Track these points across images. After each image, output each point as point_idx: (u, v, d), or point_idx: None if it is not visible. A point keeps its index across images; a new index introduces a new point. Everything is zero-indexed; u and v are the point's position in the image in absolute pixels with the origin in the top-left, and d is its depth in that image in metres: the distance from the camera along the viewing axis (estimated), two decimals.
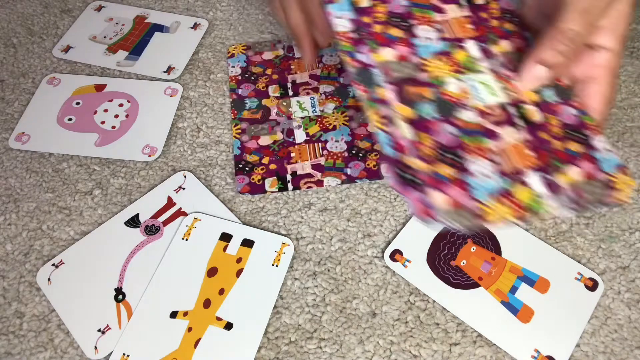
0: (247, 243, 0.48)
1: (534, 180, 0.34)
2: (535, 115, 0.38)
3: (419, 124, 0.36)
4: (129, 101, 0.58)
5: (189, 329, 0.43)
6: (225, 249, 0.48)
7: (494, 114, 0.37)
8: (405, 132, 0.35)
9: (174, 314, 0.44)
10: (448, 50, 0.40)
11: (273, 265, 0.47)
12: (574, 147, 0.36)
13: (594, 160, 0.36)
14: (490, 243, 0.48)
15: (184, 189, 0.52)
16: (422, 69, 0.39)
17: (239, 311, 0.44)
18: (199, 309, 0.44)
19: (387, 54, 0.39)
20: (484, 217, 0.32)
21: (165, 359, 0.42)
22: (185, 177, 0.52)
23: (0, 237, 0.49)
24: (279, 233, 0.49)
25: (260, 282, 0.46)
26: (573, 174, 0.35)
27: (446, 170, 0.33)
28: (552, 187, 0.34)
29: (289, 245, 0.48)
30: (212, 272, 0.46)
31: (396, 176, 0.33)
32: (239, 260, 0.47)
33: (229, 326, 0.44)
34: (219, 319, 0.44)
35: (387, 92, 0.37)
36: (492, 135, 0.36)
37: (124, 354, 0.42)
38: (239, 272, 0.46)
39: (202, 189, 0.52)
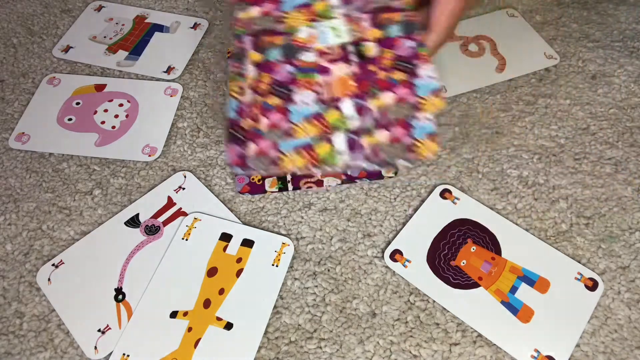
0: (247, 243, 0.48)
1: (347, 106, 0.42)
2: (372, 50, 0.45)
3: (263, 66, 0.44)
4: (129, 101, 0.58)
5: (189, 329, 0.43)
6: (225, 249, 0.48)
7: (332, 53, 0.45)
8: (251, 73, 0.43)
9: (174, 314, 0.44)
10: (309, 3, 0.47)
11: (273, 265, 0.47)
12: (398, 75, 0.43)
13: (411, 85, 0.43)
14: (490, 243, 0.48)
15: (184, 189, 0.52)
16: (281, 21, 0.46)
17: (239, 311, 0.44)
18: (199, 309, 0.44)
19: (254, 11, 0.47)
20: (281, 165, 0.41)
21: (165, 359, 0.42)
22: (185, 177, 0.52)
23: (0, 237, 0.49)
24: (279, 233, 0.49)
25: (260, 282, 0.46)
26: (386, 98, 0.42)
27: (274, 101, 0.43)
28: (352, 145, 0.41)
29: (289, 245, 0.48)
30: (212, 272, 0.46)
31: (229, 134, 0.41)
32: (239, 260, 0.47)
33: (229, 326, 0.44)
34: (219, 319, 0.44)
35: (247, 46, 0.45)
36: (323, 70, 0.44)
37: (124, 354, 0.42)
38: (239, 272, 0.46)
39: (202, 189, 0.52)
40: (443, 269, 0.47)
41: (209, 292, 0.45)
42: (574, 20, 0.66)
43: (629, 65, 0.61)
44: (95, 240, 0.49)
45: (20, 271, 0.47)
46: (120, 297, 0.45)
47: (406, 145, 0.42)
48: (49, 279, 0.46)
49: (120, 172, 0.53)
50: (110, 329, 0.44)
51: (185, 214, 0.50)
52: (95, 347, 0.43)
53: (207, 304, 0.45)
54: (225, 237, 0.48)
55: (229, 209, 0.51)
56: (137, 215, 0.50)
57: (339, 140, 0.42)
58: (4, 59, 0.62)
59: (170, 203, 0.51)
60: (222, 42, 0.64)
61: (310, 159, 0.42)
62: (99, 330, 0.44)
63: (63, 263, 0.47)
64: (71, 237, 0.49)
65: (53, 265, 0.47)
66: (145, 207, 0.50)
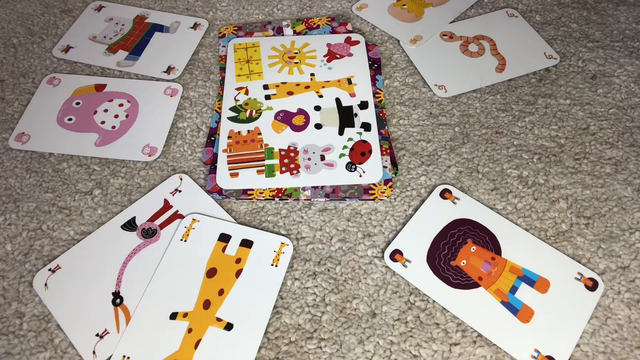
0: (246, 243, 0.48)
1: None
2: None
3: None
4: (129, 101, 0.58)
5: (189, 330, 0.43)
6: (224, 249, 0.48)
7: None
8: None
9: (173, 316, 0.44)
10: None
11: (272, 265, 0.47)
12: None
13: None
14: (490, 243, 0.48)
15: (180, 191, 0.52)
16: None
17: (239, 312, 0.44)
18: (199, 310, 0.44)
19: None
20: (249, 193, 0.51)
21: None
22: (181, 179, 0.52)
23: (0, 237, 0.49)
24: (279, 233, 0.49)
25: (260, 282, 0.46)
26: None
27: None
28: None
29: (287, 245, 0.48)
30: (211, 272, 0.46)
31: (212, 165, 0.52)
32: (238, 260, 0.47)
33: (229, 327, 0.44)
34: (219, 319, 0.44)
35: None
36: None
37: (124, 356, 0.42)
38: (238, 273, 0.46)
39: (198, 190, 0.52)
40: (443, 269, 0.47)
41: (208, 293, 0.45)
42: (574, 20, 0.66)
43: (629, 65, 0.61)
44: (91, 244, 0.48)
45: (20, 271, 0.47)
46: (117, 301, 0.45)
47: (363, 187, 0.50)
48: (45, 284, 0.46)
49: (120, 172, 0.53)
50: (108, 333, 0.44)
51: (181, 217, 0.50)
52: (94, 352, 0.43)
53: (207, 304, 0.45)
54: (224, 238, 0.48)
55: (225, 210, 0.50)
56: (134, 218, 0.50)
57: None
58: (4, 59, 0.62)
59: (166, 206, 0.51)
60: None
61: (277, 192, 0.50)
62: (97, 335, 0.44)
63: (60, 268, 0.47)
64: (71, 237, 0.49)
65: (50, 270, 0.47)
66: (142, 210, 0.50)
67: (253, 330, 0.43)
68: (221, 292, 0.45)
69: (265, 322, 0.44)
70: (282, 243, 0.48)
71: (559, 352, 0.42)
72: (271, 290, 0.45)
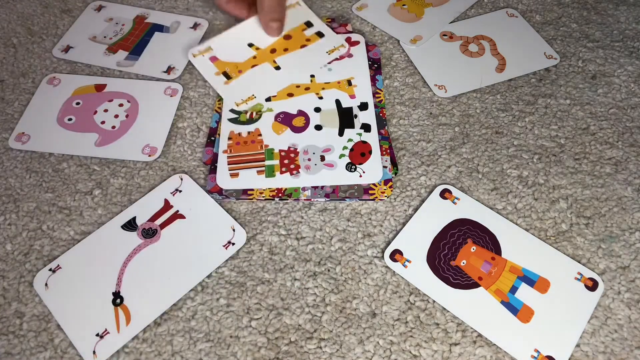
0: None
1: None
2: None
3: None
4: (129, 101, 0.58)
5: None
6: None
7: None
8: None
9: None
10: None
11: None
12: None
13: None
14: (490, 243, 0.48)
15: (180, 191, 0.52)
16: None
17: None
18: None
19: None
20: (249, 193, 0.51)
21: None
22: (181, 179, 0.52)
23: (0, 237, 0.49)
24: (278, 233, 0.49)
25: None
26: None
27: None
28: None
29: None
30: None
31: (212, 165, 0.53)
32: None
33: None
34: None
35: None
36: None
37: None
38: None
39: (198, 191, 0.52)
40: (443, 269, 0.47)
41: None
42: (574, 20, 0.66)
43: (629, 65, 0.61)
44: (92, 244, 0.48)
45: (20, 271, 0.47)
46: (118, 301, 0.45)
47: (363, 187, 0.51)
48: (46, 284, 0.46)
49: (120, 172, 0.53)
50: (108, 333, 0.44)
51: (182, 217, 0.50)
52: (94, 352, 0.43)
53: None
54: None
55: (225, 209, 0.51)
56: (134, 218, 0.50)
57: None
58: (4, 59, 0.62)
59: (167, 206, 0.51)
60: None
61: (277, 192, 0.51)
62: (97, 335, 0.43)
63: (60, 268, 0.47)
64: (71, 237, 0.49)
65: (50, 270, 0.47)
66: (142, 210, 0.50)
67: None
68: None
69: None
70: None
71: (559, 352, 0.43)
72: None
